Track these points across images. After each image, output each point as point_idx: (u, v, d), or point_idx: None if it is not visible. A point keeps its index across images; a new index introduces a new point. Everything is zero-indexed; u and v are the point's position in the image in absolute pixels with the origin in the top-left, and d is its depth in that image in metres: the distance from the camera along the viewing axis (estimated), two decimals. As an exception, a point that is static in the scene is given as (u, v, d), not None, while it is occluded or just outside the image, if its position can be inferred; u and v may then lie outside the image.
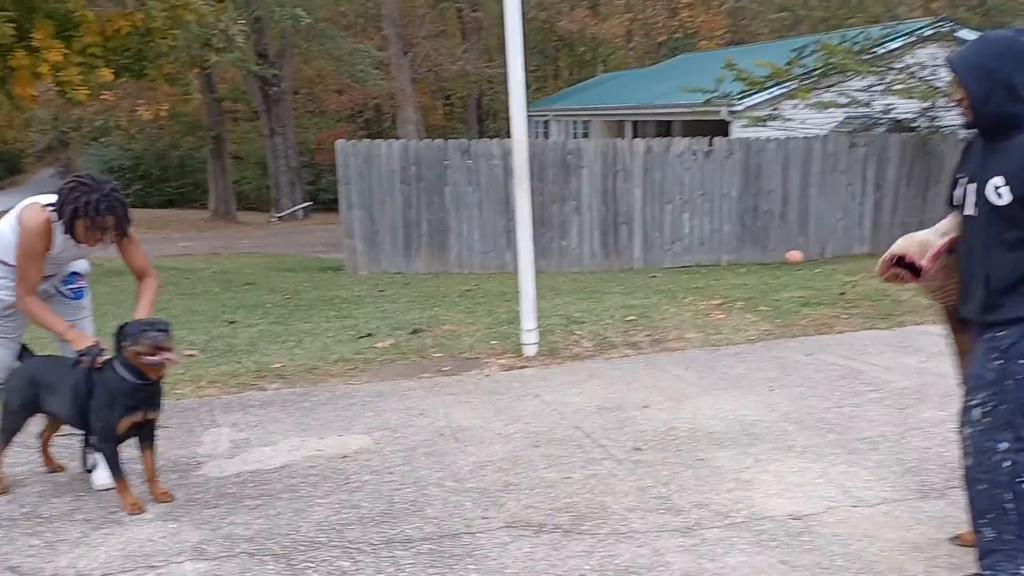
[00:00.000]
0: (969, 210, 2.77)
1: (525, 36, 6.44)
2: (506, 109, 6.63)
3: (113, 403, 3.66)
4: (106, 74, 10.07)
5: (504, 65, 6.40)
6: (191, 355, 6.66)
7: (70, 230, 3.62)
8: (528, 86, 8.82)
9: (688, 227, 13.15)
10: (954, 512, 3.46)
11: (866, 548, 3.23)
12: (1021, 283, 2.66)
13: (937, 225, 3.04)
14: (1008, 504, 2.67)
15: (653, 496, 3.78)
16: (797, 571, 3.07)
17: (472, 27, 34.66)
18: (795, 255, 13.05)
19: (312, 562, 3.26)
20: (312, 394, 5.56)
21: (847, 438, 4.40)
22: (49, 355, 4.17)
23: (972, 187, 2.75)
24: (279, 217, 28.19)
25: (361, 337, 7.17)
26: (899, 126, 14.51)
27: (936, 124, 14.15)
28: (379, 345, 6.83)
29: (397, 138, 16.05)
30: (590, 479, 3.99)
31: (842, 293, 8.33)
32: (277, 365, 6.26)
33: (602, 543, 3.36)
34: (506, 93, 6.42)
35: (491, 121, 39.04)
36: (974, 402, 2.75)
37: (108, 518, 3.68)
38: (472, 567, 3.20)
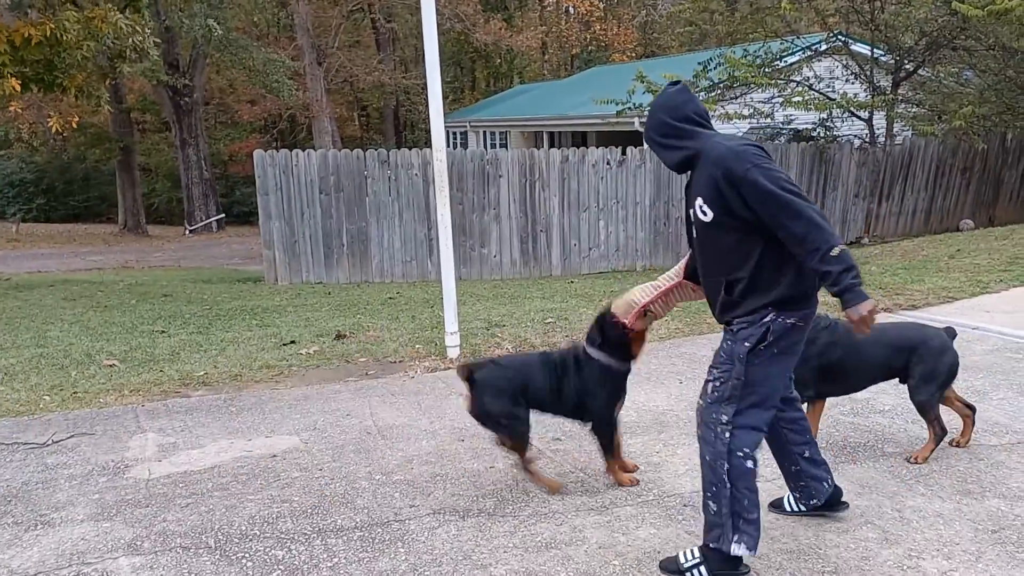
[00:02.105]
0: (693, 229, 3.10)
1: (441, 47, 6.65)
2: (424, 120, 6.84)
3: None
4: (13, 84, 9.82)
5: (421, 76, 6.62)
6: (111, 365, 6.62)
7: None
8: (445, 97, 9.01)
9: (604, 234, 13.57)
10: (842, 483, 3.81)
11: (763, 518, 3.53)
12: (749, 281, 2.93)
13: (672, 269, 3.51)
14: (725, 476, 2.98)
15: (572, 480, 4.03)
16: (700, 540, 3.35)
17: (387, 38, 34.68)
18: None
19: (247, 553, 3.38)
20: (237, 399, 5.63)
21: (749, 423, 4.73)
22: None
23: (690, 210, 3.08)
24: (192, 230, 27.60)
25: (285, 344, 7.24)
26: (799, 136, 15.28)
27: (832, 134, 14.98)
28: (303, 352, 6.92)
29: (314, 149, 16.01)
30: (513, 468, 4.20)
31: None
32: (200, 373, 6.29)
33: (524, 524, 3.58)
34: (423, 104, 6.64)
35: (409, 132, 39.09)
36: (708, 378, 3.10)
37: (39, 520, 3.72)
38: (402, 550, 3.38)
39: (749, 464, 3.00)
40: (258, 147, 14.90)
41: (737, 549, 2.98)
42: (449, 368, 6.30)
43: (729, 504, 2.99)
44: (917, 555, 3.19)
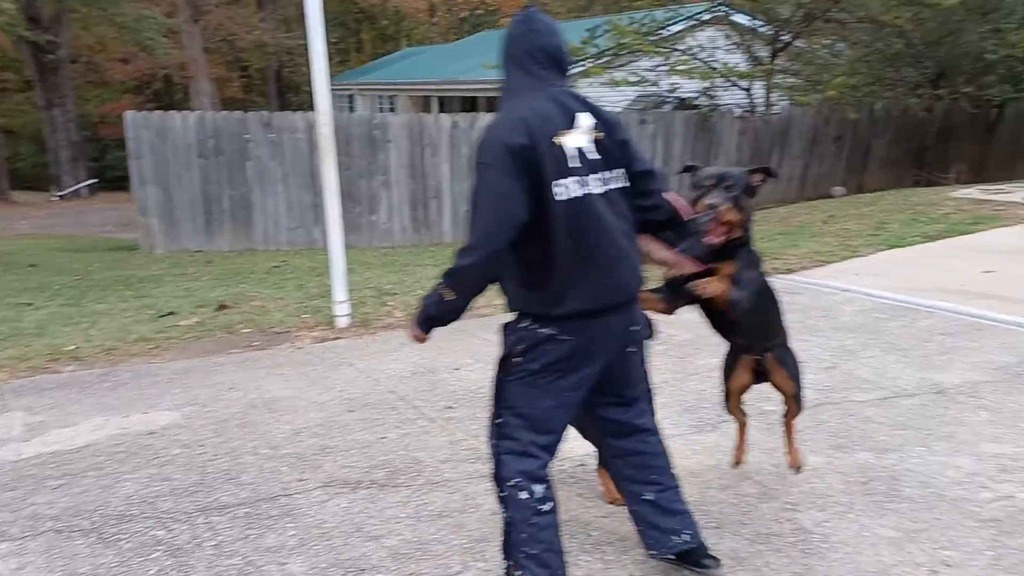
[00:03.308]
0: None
1: (325, 6, 6.41)
2: (308, 82, 6.59)
3: None
4: None
5: (304, 36, 6.36)
6: (-30, 341, 6.18)
7: None
8: (331, 59, 8.71)
9: (494, 200, 13.53)
10: (724, 442, 3.96)
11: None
12: (510, 281, 2.63)
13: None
14: (500, 502, 2.69)
15: (464, 448, 4.02)
16: (591, 501, 3.42)
17: (269, -5, 33.36)
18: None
19: (125, 534, 3.23)
20: (112, 374, 5.35)
21: (637, 386, 4.84)
22: None
23: None
24: (61, 196, 25.99)
25: (162, 316, 6.92)
26: (683, 104, 15.64)
27: (715, 103, 15.39)
28: (183, 323, 6.64)
29: (192, 111, 15.28)
30: (404, 437, 4.17)
31: (635, 259, 8.96)
32: (71, 347, 5.94)
33: (417, 493, 3.56)
34: (307, 65, 6.38)
35: (293, 95, 37.81)
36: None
37: None
38: (291, 525, 3.30)
39: (523, 496, 2.57)
40: (131, 108, 14.09)
41: None
42: (339, 338, 6.18)
43: (505, 531, 2.65)
44: (793, 508, 3.34)
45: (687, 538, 2.79)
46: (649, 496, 2.78)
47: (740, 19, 15.82)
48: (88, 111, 31.20)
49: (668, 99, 15.98)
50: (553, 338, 2.51)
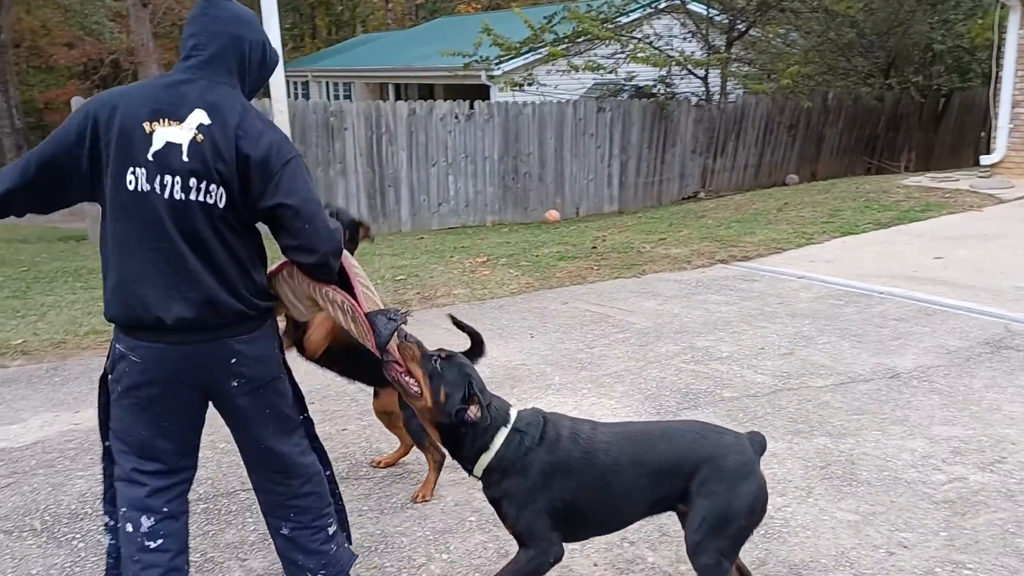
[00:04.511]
0: None
1: (281, -8, 6.29)
2: (263, 67, 6.46)
3: None
4: None
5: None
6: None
7: None
8: (284, 45, 8.60)
9: (453, 189, 13.47)
10: (713, 419, 3.98)
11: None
12: None
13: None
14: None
15: (426, 439, 3.99)
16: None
17: (221, -20, 32.68)
18: (553, 214, 13.82)
19: (78, 533, 3.15)
20: (62, 369, 5.21)
21: (597, 374, 4.87)
22: None
23: None
24: (5, 184, 25.27)
25: (115, 308, 6.75)
26: (640, 92, 15.69)
27: (672, 91, 15.48)
28: (136, 315, 6.48)
29: (142, 97, 14.89)
30: (365, 429, 4.13)
31: (594, 247, 8.99)
32: (19, 341, 5.78)
33: (379, 486, 3.53)
34: (263, 51, 6.26)
35: (246, 81, 37.20)
36: None
37: None
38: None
39: (129, 528, 2.32)
40: (77, 94, 13.65)
41: None
42: (296, 328, 6.08)
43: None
44: (754, 493, 3.37)
45: None
46: (285, 530, 2.56)
47: (696, 7, 15.92)
48: (32, 97, 30.35)
49: (625, 87, 16.03)
50: (125, 357, 2.29)
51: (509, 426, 2.42)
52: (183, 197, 2.18)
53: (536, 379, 4.81)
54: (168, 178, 2.17)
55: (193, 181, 2.18)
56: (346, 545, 2.69)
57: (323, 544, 2.56)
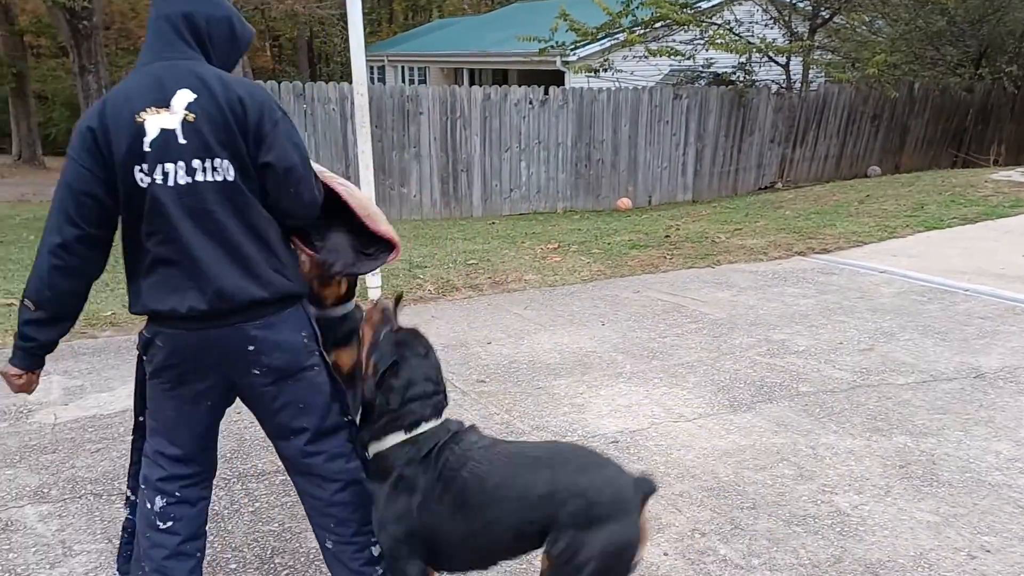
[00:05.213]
0: None
1: (362, -23, 6.35)
2: (338, 52, 6.58)
3: None
4: None
5: (336, 6, 6.32)
6: (8, 304, 6.27)
7: None
8: (363, 29, 8.60)
9: (525, 175, 13.49)
10: (759, 422, 3.93)
11: (684, 456, 3.63)
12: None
13: None
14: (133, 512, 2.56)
15: (496, 422, 4.03)
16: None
17: (302, -35, 33.23)
18: (625, 202, 13.72)
19: (164, 499, 3.27)
20: (149, 341, 5.41)
21: (669, 363, 4.82)
22: None
23: None
24: (94, 163, 26.25)
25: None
26: (718, 79, 15.41)
27: (751, 78, 15.16)
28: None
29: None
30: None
31: (667, 236, 8.90)
32: (108, 313, 6.02)
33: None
34: (338, 35, 6.38)
35: (323, 65, 37.82)
36: None
37: (-66, 470, 3.52)
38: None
39: (147, 505, 2.34)
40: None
41: None
42: (370, 309, 6.19)
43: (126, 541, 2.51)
44: (830, 490, 3.31)
45: None
46: (328, 544, 2.44)
47: (779, -7, 15.54)
48: (120, 77, 31.34)
49: (703, 74, 15.76)
50: (152, 342, 2.25)
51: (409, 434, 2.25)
52: (190, 180, 2.13)
53: (607, 367, 4.79)
54: (170, 166, 2.12)
55: (196, 162, 2.13)
56: None
57: (364, 565, 2.41)
